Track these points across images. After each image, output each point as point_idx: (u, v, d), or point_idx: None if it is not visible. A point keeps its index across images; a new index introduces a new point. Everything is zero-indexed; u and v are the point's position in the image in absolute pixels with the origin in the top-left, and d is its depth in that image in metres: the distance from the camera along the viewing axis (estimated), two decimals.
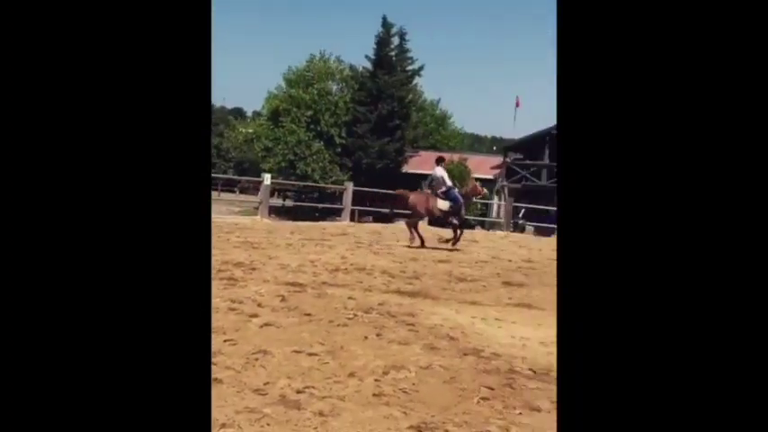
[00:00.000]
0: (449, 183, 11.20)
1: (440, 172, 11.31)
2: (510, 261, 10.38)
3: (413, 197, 11.57)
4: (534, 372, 4.03)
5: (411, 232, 11.13)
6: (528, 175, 26.57)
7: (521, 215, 25.20)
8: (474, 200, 12.25)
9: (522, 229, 23.51)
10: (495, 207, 27.05)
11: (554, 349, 4.68)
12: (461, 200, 11.09)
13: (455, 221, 11.12)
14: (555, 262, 9.40)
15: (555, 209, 25.36)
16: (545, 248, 11.20)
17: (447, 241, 11.16)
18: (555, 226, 24.29)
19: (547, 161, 26.27)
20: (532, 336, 5.07)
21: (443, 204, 11.02)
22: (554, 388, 3.70)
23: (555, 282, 6.68)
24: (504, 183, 27.07)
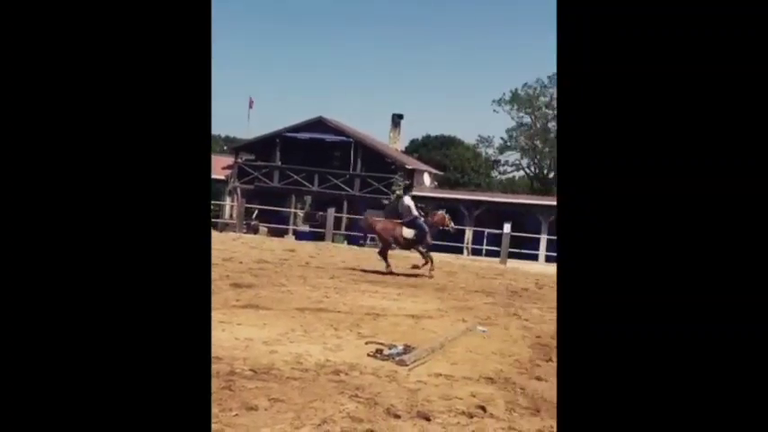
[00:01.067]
0: (414, 212, 11.59)
1: (407, 201, 11.72)
2: (241, 263, 10.53)
3: (380, 225, 12.02)
4: (255, 371, 4.08)
5: (386, 260, 11.46)
6: (260, 177, 26.81)
7: (254, 216, 25.37)
8: (441, 228, 12.41)
9: (255, 231, 23.70)
10: (227, 208, 26.79)
11: (277, 347, 4.83)
12: (426, 228, 11.45)
13: (420, 249, 11.55)
14: (286, 262, 9.59)
15: (287, 209, 26.05)
16: (277, 249, 11.47)
17: (415, 267, 11.36)
18: (287, 227, 24.90)
19: (279, 163, 26.81)
20: (257, 336, 5.18)
21: (408, 233, 11.45)
22: (272, 385, 3.79)
23: (284, 281, 6.86)
24: (237, 184, 26.96)
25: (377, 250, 12.12)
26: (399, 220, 11.84)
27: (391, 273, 11.18)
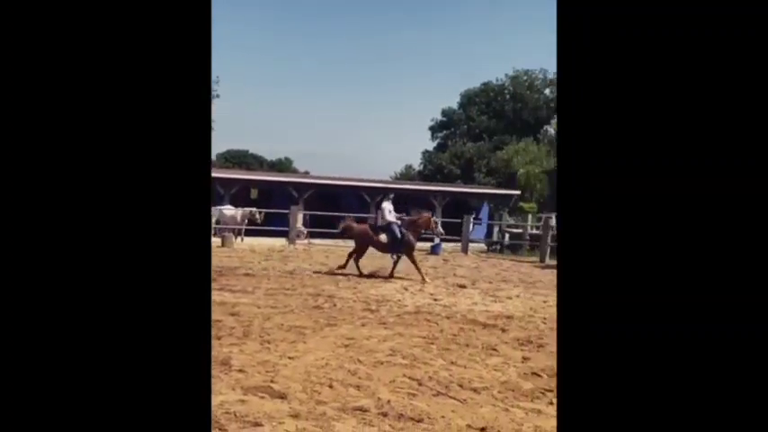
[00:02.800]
0: (388, 217, 11.30)
1: (384, 205, 11.50)
2: None
3: (357, 229, 11.73)
4: None
5: (356, 263, 11.21)
6: None
7: None
8: (423, 232, 11.69)
9: None
10: None
11: None
12: (399, 235, 11.11)
13: (395, 256, 11.26)
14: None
15: None
16: None
17: (420, 275, 10.89)
18: None
19: None
20: None
21: (382, 237, 11.24)
22: None
23: None
24: None
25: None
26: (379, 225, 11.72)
27: (361, 274, 11.01)
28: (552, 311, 7.93)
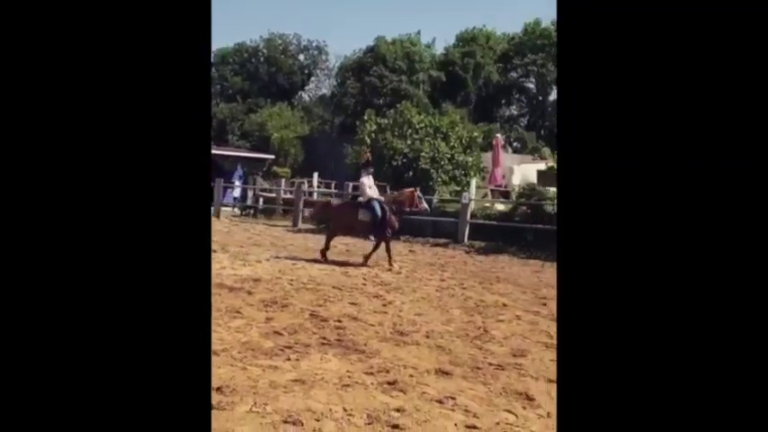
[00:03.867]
0: (369, 193, 9.67)
1: (362, 178, 9.86)
2: None
3: (336, 207, 10.49)
4: None
5: (326, 244, 9.78)
6: None
7: None
8: (409, 210, 9.95)
9: None
10: None
11: None
12: (379, 213, 9.45)
13: (375, 237, 9.82)
14: None
15: None
16: None
17: (366, 257, 9.57)
18: None
19: None
20: None
21: (363, 216, 9.57)
22: None
23: None
24: None
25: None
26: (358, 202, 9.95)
27: (324, 256, 9.63)
28: (300, 272, 8.04)
